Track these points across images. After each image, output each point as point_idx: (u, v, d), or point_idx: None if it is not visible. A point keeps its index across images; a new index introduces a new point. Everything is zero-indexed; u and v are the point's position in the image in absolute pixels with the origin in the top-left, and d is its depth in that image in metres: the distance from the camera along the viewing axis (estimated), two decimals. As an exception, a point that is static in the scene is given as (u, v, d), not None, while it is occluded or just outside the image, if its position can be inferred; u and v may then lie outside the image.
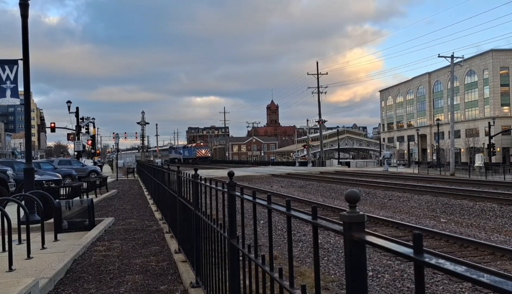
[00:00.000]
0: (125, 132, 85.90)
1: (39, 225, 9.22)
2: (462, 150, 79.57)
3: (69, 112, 43.72)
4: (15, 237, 8.35)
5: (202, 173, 7.52)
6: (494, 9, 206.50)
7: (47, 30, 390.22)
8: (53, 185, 18.27)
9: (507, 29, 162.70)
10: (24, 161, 17.02)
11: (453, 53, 44.87)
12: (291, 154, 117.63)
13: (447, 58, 44.77)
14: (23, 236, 8.73)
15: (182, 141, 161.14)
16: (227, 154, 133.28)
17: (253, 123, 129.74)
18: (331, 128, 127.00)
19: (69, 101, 43.41)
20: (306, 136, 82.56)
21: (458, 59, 45.54)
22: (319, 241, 2.09)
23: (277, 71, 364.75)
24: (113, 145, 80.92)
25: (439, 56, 45.02)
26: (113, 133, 64.89)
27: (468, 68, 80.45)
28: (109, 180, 27.84)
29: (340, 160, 72.33)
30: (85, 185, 18.56)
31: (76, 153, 47.16)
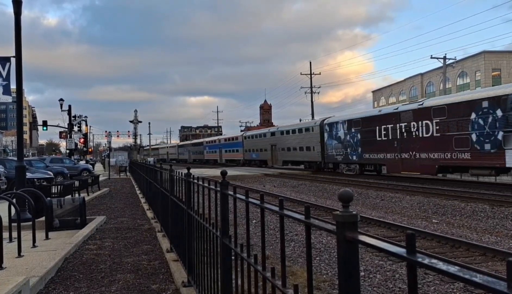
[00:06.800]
0: (118, 131, 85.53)
1: (30, 223, 9.15)
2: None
3: (62, 110, 43.46)
4: (5, 235, 8.27)
5: (195, 171, 7.54)
6: (479, 14, 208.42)
7: (44, 31, 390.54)
8: (44, 183, 18.18)
9: (491, 33, 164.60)
10: (15, 158, 16.90)
11: (445, 54, 45.16)
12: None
13: (440, 60, 45.02)
14: (14, 234, 8.67)
15: (175, 140, 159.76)
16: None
17: (246, 122, 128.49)
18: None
19: (61, 99, 43.10)
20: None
21: (450, 61, 45.82)
22: (311, 240, 2.08)
23: (270, 72, 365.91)
24: (105, 144, 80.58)
25: (431, 58, 45.31)
26: (105, 131, 64.67)
27: (460, 70, 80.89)
28: (101, 179, 27.70)
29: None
30: (77, 183, 18.45)
31: (68, 151, 46.93)
